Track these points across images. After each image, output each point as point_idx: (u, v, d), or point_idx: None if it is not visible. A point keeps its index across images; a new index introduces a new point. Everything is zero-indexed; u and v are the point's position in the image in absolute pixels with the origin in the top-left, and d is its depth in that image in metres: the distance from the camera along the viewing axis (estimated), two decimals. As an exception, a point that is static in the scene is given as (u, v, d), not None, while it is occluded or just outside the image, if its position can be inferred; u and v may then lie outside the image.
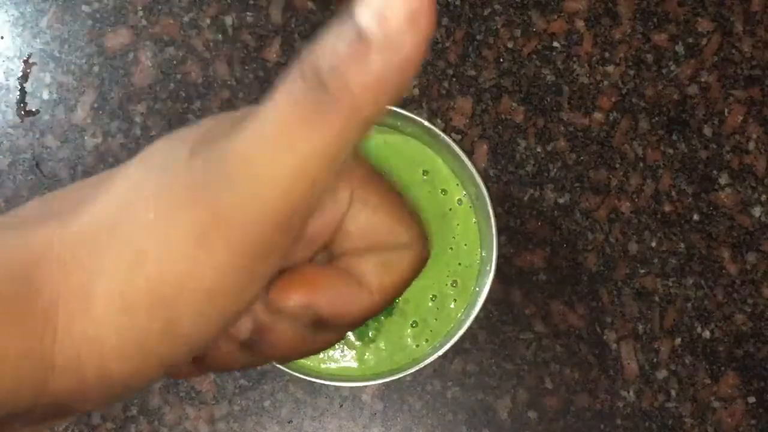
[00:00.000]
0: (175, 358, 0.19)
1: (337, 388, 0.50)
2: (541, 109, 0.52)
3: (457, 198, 0.45)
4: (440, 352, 0.42)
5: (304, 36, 0.51)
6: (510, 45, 0.52)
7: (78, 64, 0.51)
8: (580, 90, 0.52)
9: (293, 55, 0.51)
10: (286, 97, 0.17)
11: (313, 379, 0.42)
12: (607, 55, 0.52)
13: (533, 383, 0.50)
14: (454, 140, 0.42)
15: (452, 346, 0.42)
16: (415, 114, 0.42)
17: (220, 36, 0.51)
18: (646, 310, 0.51)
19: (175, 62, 0.51)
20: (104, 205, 0.18)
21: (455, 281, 0.45)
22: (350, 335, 0.45)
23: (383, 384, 0.50)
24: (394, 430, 0.50)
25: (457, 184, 0.45)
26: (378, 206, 0.21)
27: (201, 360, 0.21)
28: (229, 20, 0.51)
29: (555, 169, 0.51)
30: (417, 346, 0.45)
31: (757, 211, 0.52)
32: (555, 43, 0.52)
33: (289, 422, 0.50)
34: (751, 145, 0.52)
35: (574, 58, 0.52)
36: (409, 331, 0.45)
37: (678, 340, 0.51)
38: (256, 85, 0.51)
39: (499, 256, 0.43)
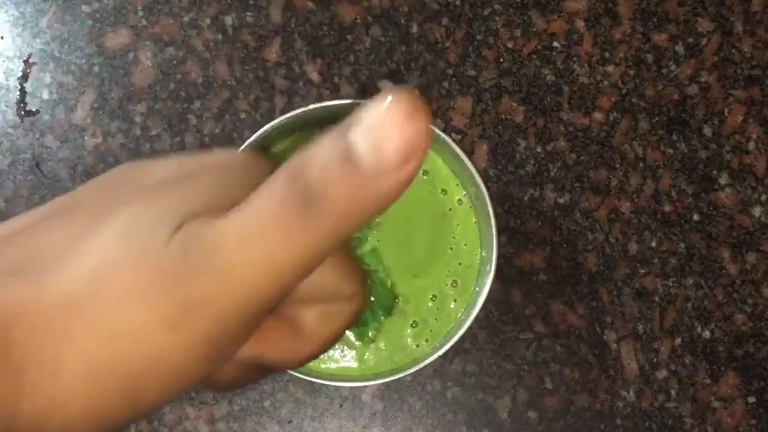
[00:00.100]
0: (135, 420, 0.19)
1: (337, 388, 0.50)
2: (541, 109, 0.52)
3: (457, 198, 0.45)
4: (440, 352, 0.42)
5: (304, 36, 0.51)
6: (510, 45, 0.52)
7: (78, 64, 0.51)
8: (580, 90, 0.52)
9: (293, 55, 0.51)
10: (273, 197, 0.18)
11: (313, 379, 0.42)
12: (607, 55, 0.52)
13: (533, 383, 0.50)
14: (454, 140, 0.42)
15: (452, 346, 0.42)
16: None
17: (220, 36, 0.51)
18: (646, 310, 0.51)
19: (175, 62, 0.51)
20: (79, 274, 0.18)
21: (455, 281, 0.45)
22: (350, 335, 0.45)
23: (383, 384, 0.50)
24: (394, 430, 0.50)
25: (457, 184, 0.45)
26: (326, 263, 0.21)
27: None
28: (229, 20, 0.51)
29: (555, 169, 0.51)
30: (417, 346, 0.45)
31: (757, 211, 0.52)
32: (555, 43, 0.52)
33: (289, 422, 0.50)
34: (751, 145, 0.52)
35: (574, 58, 0.52)
36: (409, 331, 0.45)
37: (678, 340, 0.51)
38: (256, 85, 0.51)
39: (499, 256, 0.43)
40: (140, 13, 0.51)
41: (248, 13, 0.51)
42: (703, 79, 0.52)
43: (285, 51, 0.51)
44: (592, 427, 0.50)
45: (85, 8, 0.51)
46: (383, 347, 0.45)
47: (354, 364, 0.45)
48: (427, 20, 0.52)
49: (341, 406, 0.50)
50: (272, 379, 0.50)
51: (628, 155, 0.52)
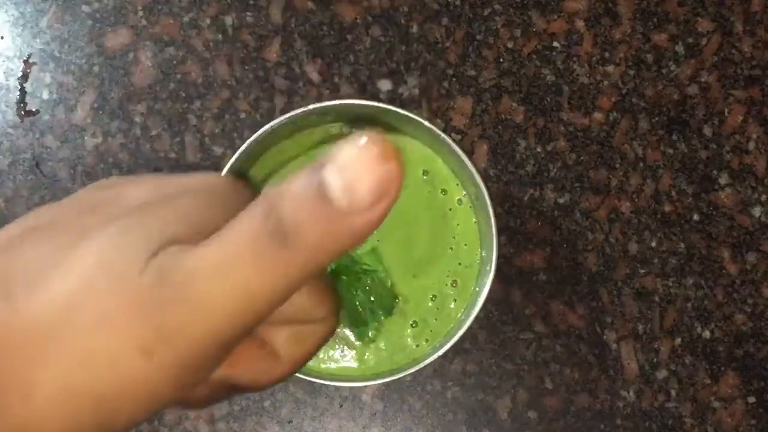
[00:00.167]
0: None
1: (337, 388, 0.50)
2: (541, 109, 0.52)
3: (457, 198, 0.45)
4: (440, 352, 0.42)
5: (304, 36, 0.51)
6: (510, 45, 0.52)
7: (78, 64, 0.51)
8: (580, 90, 0.52)
9: (293, 55, 0.51)
10: (247, 229, 0.18)
11: (313, 379, 0.42)
12: (607, 55, 0.52)
13: (533, 383, 0.50)
14: (454, 140, 0.42)
15: (452, 346, 0.42)
16: (415, 114, 0.42)
17: (220, 36, 0.51)
18: (646, 310, 0.51)
19: (175, 62, 0.51)
20: (55, 297, 0.18)
21: (455, 281, 0.45)
22: (350, 335, 0.45)
23: (383, 384, 0.50)
24: (394, 430, 0.50)
25: (457, 184, 0.45)
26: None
27: None
28: (229, 20, 0.51)
29: (555, 169, 0.51)
30: (417, 346, 0.45)
31: (757, 211, 0.52)
32: (555, 43, 0.52)
33: (289, 422, 0.50)
34: (751, 145, 0.52)
35: (574, 58, 0.52)
36: (409, 331, 0.45)
37: (678, 340, 0.51)
38: (256, 85, 0.51)
39: (499, 256, 0.43)
40: (140, 13, 0.51)
41: (248, 13, 0.51)
42: (703, 79, 0.52)
43: (285, 51, 0.51)
44: (592, 427, 0.50)
45: (85, 8, 0.51)
46: (383, 347, 0.45)
47: (354, 364, 0.45)
48: (427, 20, 0.52)
49: (341, 406, 0.50)
50: (272, 379, 0.50)
51: (628, 155, 0.52)
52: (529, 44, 0.52)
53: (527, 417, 0.50)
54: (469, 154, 0.51)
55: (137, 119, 0.51)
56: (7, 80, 0.51)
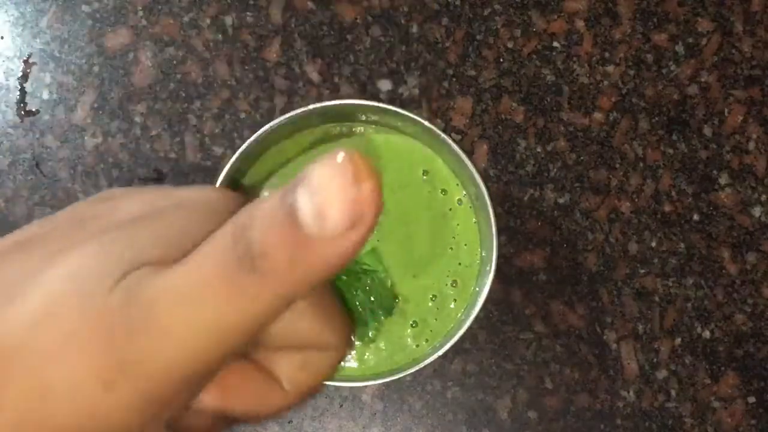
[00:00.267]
0: None
1: (337, 388, 0.50)
2: (541, 109, 0.52)
3: (457, 198, 0.45)
4: (440, 352, 0.42)
5: (304, 36, 0.51)
6: (510, 45, 0.52)
7: (78, 64, 0.51)
8: (580, 90, 0.52)
9: (293, 55, 0.51)
10: (215, 255, 0.17)
11: (313, 379, 0.42)
12: (607, 55, 0.52)
13: (533, 383, 0.50)
14: (454, 140, 0.42)
15: (452, 346, 0.42)
16: (415, 114, 0.42)
17: (220, 36, 0.51)
18: (646, 310, 0.51)
19: (175, 62, 0.51)
20: (21, 316, 0.17)
21: (455, 281, 0.45)
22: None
23: (383, 384, 0.50)
24: (394, 430, 0.50)
25: (457, 184, 0.45)
26: (305, 309, 0.20)
27: None
28: (229, 20, 0.51)
29: (555, 169, 0.51)
30: (417, 346, 0.45)
31: (757, 211, 0.52)
32: (555, 43, 0.52)
33: (289, 422, 0.50)
34: (751, 145, 0.52)
35: (574, 58, 0.52)
36: (409, 331, 0.45)
37: (678, 340, 0.51)
38: (256, 85, 0.51)
39: (499, 256, 0.43)
40: (140, 13, 0.51)
41: (248, 13, 0.51)
42: (703, 79, 0.52)
43: (285, 51, 0.51)
44: (592, 427, 0.50)
45: (85, 8, 0.51)
46: (383, 347, 0.45)
47: (354, 364, 0.45)
48: (427, 20, 0.52)
49: (341, 406, 0.50)
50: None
51: (628, 155, 0.52)
52: (529, 44, 0.52)
53: (527, 417, 0.50)
54: (469, 154, 0.51)
55: (137, 119, 0.51)
56: (7, 80, 0.51)
